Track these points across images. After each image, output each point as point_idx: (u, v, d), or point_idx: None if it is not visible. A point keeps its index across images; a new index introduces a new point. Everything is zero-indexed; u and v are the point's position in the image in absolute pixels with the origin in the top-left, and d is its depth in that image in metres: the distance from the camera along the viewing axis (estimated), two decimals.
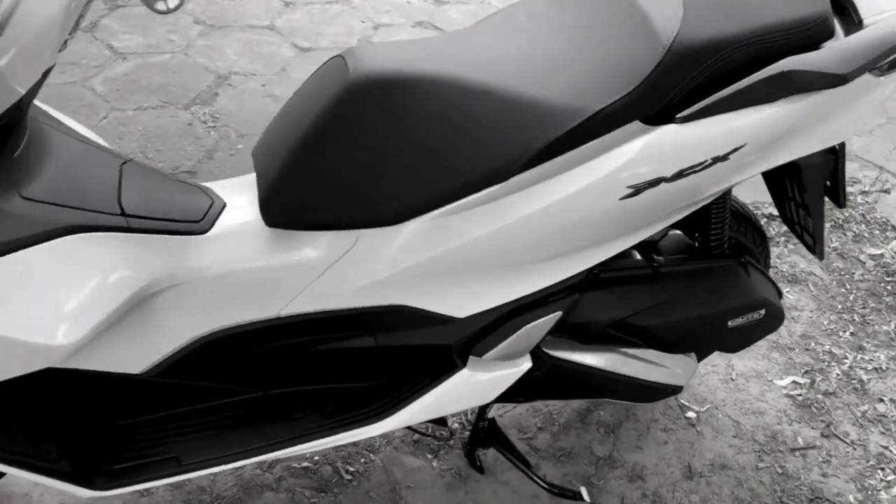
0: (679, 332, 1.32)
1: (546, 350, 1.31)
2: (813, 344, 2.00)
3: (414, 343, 1.24)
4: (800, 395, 1.86)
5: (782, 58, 1.10)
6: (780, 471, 1.69)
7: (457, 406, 1.30)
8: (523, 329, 1.22)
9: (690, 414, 1.80)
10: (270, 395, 1.26)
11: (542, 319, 1.22)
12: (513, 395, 1.35)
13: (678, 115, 1.07)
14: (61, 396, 1.15)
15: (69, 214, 1.03)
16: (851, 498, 1.65)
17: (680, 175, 1.09)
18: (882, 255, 2.31)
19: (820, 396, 1.86)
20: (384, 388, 1.27)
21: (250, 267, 1.15)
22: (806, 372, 1.92)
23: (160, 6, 0.99)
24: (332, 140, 1.09)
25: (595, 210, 1.10)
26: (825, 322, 2.06)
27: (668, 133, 1.07)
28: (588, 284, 1.25)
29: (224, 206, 1.18)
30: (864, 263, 2.27)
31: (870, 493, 1.66)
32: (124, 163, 1.16)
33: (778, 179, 1.41)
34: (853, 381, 1.91)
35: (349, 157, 1.09)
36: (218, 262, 1.14)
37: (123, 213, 1.08)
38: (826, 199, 1.39)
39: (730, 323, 1.33)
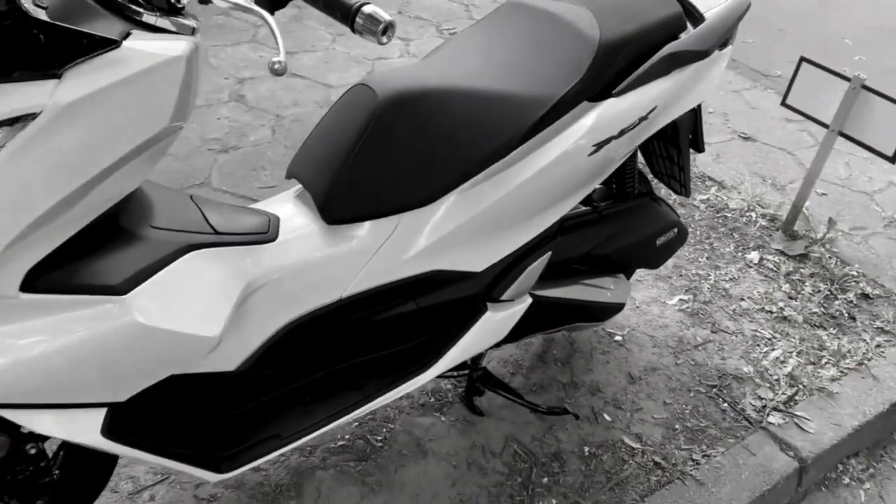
0: (626, 254, 1.77)
1: (533, 292, 1.69)
2: (683, 271, 2.56)
3: (446, 299, 1.56)
4: (687, 307, 2.40)
5: (662, 46, 1.59)
6: (692, 363, 2.20)
7: (482, 345, 1.64)
8: (526, 270, 1.60)
9: (617, 337, 2.26)
10: (338, 370, 1.52)
11: (538, 261, 1.60)
12: (512, 333, 1.71)
13: (614, 92, 1.51)
14: (181, 396, 1.33)
15: (183, 237, 1.25)
16: (745, 369, 2.19)
17: (622, 133, 1.53)
18: (708, 199, 2.97)
19: (701, 305, 2.41)
20: (426, 344, 1.58)
21: (316, 261, 1.41)
22: (686, 290, 2.47)
23: (383, 39, 1.10)
24: (371, 148, 1.39)
25: (572, 167, 1.51)
26: (686, 254, 2.64)
27: (610, 105, 1.51)
28: (563, 230, 1.65)
29: (277, 217, 1.44)
30: (699, 207, 2.91)
31: (756, 363, 2.22)
32: (190, 196, 1.38)
33: (647, 142, 1.90)
34: (720, 290, 2.49)
35: (387, 159, 1.40)
36: (290, 262, 1.39)
37: (216, 232, 1.31)
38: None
39: (658, 241, 1.80)
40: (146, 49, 0.95)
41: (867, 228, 2.96)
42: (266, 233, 1.38)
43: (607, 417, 2.00)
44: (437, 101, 1.42)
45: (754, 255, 2.67)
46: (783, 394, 2.08)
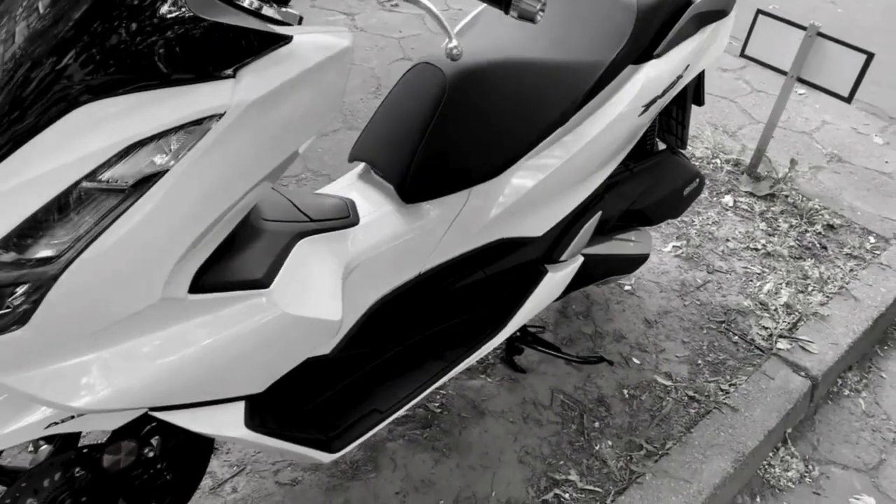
0: (658, 207, 1.89)
1: (583, 251, 1.79)
2: (669, 220, 2.72)
3: (511, 265, 1.64)
4: (682, 252, 2.56)
5: (685, 8, 1.69)
6: (698, 303, 2.37)
7: (543, 304, 1.72)
8: (581, 231, 1.69)
9: (627, 287, 2.40)
10: (421, 341, 1.57)
11: (591, 221, 1.70)
12: (563, 291, 1.80)
13: (655, 53, 1.61)
14: (297, 382, 1.35)
15: (290, 226, 1.27)
16: (745, 303, 2.38)
17: (664, 92, 1.63)
18: None
19: (694, 250, 2.58)
20: (495, 309, 1.65)
21: (398, 240, 1.45)
22: (677, 237, 2.63)
23: (537, 18, 1.03)
24: (442, 126, 1.43)
25: (624, 128, 1.60)
26: None
27: (653, 66, 1.60)
28: (606, 190, 1.75)
29: (352, 201, 1.47)
30: None
31: (753, 297, 2.41)
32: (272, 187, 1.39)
33: None
34: (706, 234, 2.66)
35: (457, 136, 1.45)
36: (375, 243, 1.42)
37: (311, 219, 1.33)
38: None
39: (685, 192, 1.93)
40: (317, 42, 0.96)
41: (814, 165, 3.22)
42: (348, 217, 1.41)
43: (636, 361, 2.13)
44: (500, 74, 1.47)
45: (728, 199, 2.86)
46: (784, 322, 2.28)
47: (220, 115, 0.89)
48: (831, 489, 1.92)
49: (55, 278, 0.89)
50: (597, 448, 1.87)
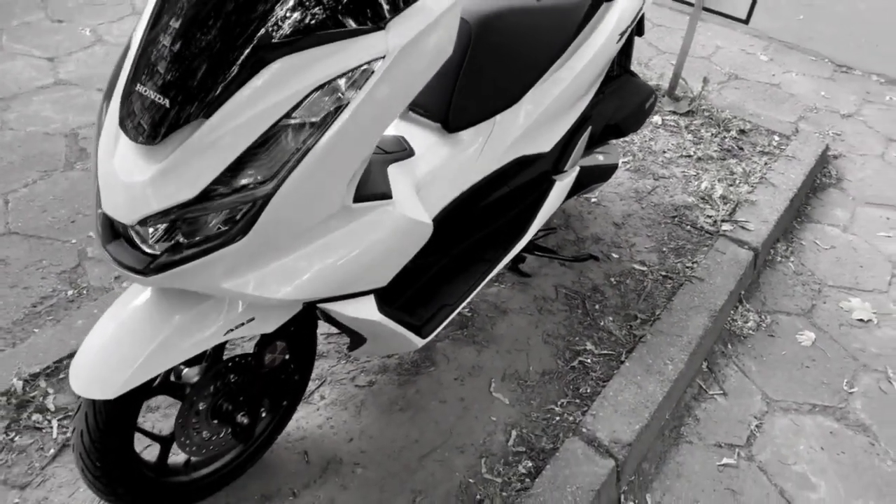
0: (627, 121, 2.29)
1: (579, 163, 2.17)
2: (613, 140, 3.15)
3: (529, 178, 1.99)
4: (630, 166, 3.00)
5: None
6: (652, 204, 2.81)
7: (554, 208, 2.09)
8: (578, 144, 2.06)
9: (593, 200, 2.81)
10: (468, 248, 1.91)
11: (584, 135, 2.07)
12: (566, 197, 2.18)
13: None
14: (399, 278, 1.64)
15: (380, 157, 1.57)
16: (689, 199, 2.85)
17: (633, 21, 2.02)
18: None
19: (640, 163, 3.02)
20: (520, 215, 2.00)
21: (446, 163, 1.77)
22: (624, 154, 3.07)
23: None
24: (472, 67, 1.74)
25: (608, 53, 1.97)
26: None
27: (621, 2, 1.98)
28: (591, 109, 2.12)
29: (403, 137, 1.77)
30: None
31: (695, 194, 2.88)
32: None
33: None
34: (646, 149, 3.11)
35: (483, 74, 1.77)
36: (431, 169, 1.73)
37: (386, 152, 1.63)
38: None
39: (645, 106, 2.34)
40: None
41: (719, 83, 3.74)
42: (406, 150, 1.72)
43: (615, 255, 2.56)
44: (510, 20, 1.80)
45: (657, 119, 3.32)
46: (724, 210, 2.76)
47: (381, 58, 1.19)
48: (781, 331, 2.42)
49: (270, 196, 1.17)
50: (602, 324, 2.28)
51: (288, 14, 1.14)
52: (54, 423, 1.78)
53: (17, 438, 1.74)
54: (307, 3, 1.15)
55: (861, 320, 2.47)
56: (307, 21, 1.15)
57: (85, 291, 2.20)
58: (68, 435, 1.76)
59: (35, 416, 1.78)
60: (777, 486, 1.91)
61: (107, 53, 3.41)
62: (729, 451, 2.00)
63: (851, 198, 3.09)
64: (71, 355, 1.92)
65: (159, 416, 1.84)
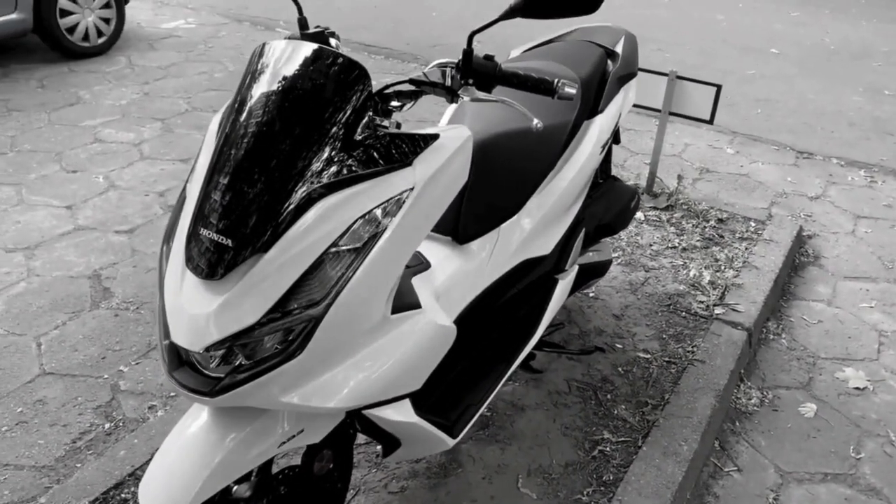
0: (616, 220, 2.49)
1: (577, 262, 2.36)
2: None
3: (533, 278, 2.17)
4: (621, 260, 3.20)
5: (605, 75, 2.34)
6: (647, 294, 2.99)
7: (559, 305, 2.25)
8: (575, 244, 2.25)
9: (591, 294, 2.99)
10: (483, 349, 2.05)
11: (580, 235, 2.27)
12: (569, 294, 2.35)
13: (598, 110, 2.23)
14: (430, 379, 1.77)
15: (410, 270, 1.75)
16: (680, 287, 3.03)
17: (610, 136, 2.26)
18: None
19: (629, 257, 3.22)
20: (529, 314, 2.17)
21: (459, 272, 1.95)
22: (614, 249, 3.27)
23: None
24: (475, 188, 1.95)
25: (592, 164, 2.20)
26: None
27: (601, 119, 2.23)
28: (582, 212, 2.33)
29: (419, 252, 1.96)
30: None
31: (685, 282, 3.06)
32: None
33: None
34: (634, 243, 3.32)
35: (486, 192, 1.97)
36: (445, 278, 1.91)
37: (408, 266, 1.81)
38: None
39: (630, 205, 2.55)
40: (453, 135, 1.47)
41: (691, 178, 4.02)
42: (423, 263, 1.90)
43: (619, 346, 2.70)
44: (506, 143, 2.03)
45: (640, 215, 3.56)
46: (714, 295, 2.94)
47: (410, 189, 1.38)
48: (783, 405, 2.54)
49: (322, 316, 1.33)
50: (615, 412, 2.40)
51: (332, 159, 1.34)
52: None
53: None
54: (348, 151, 1.35)
55: (858, 388, 2.61)
56: (348, 164, 1.35)
57: (121, 423, 2.30)
58: None
59: None
60: None
61: (120, 197, 3.63)
62: None
63: (831, 273, 3.29)
64: (117, 486, 2.00)
65: None
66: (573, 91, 1.54)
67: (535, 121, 1.54)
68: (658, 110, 3.55)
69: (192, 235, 1.34)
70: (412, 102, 1.52)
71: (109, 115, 4.59)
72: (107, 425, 2.29)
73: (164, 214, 3.47)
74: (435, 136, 1.45)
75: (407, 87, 1.55)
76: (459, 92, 1.52)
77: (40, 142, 4.20)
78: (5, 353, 2.58)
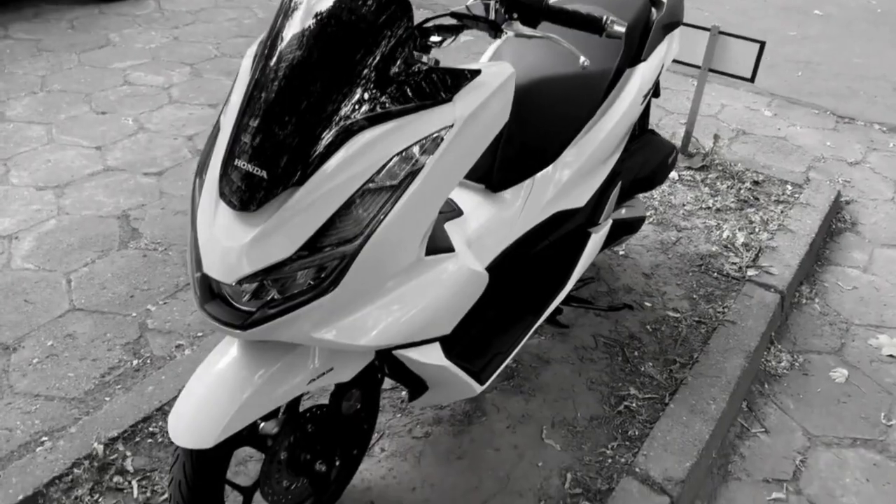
0: (653, 175, 2.44)
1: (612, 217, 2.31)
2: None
3: (566, 231, 2.13)
4: (653, 219, 3.14)
5: (649, 23, 2.26)
6: (678, 255, 2.94)
7: (591, 259, 2.21)
8: (610, 197, 2.20)
9: (621, 253, 2.94)
10: (515, 298, 2.03)
11: (616, 189, 2.22)
12: (601, 248, 2.31)
13: (641, 58, 2.16)
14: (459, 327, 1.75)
15: (442, 216, 1.71)
16: (713, 248, 2.97)
17: (652, 86, 2.19)
18: None
19: (662, 216, 3.16)
20: (560, 266, 2.13)
21: (492, 221, 1.91)
22: (646, 209, 3.21)
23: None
24: (511, 134, 1.91)
25: (633, 115, 2.13)
26: None
27: (644, 67, 2.16)
28: (620, 165, 2.28)
29: (450, 198, 1.92)
30: None
31: (718, 243, 3.00)
32: None
33: None
34: (667, 203, 3.26)
35: (522, 139, 1.93)
36: (478, 226, 1.87)
37: (440, 212, 1.78)
38: None
39: (668, 161, 2.49)
40: (496, 71, 1.42)
41: (728, 138, 3.92)
42: (455, 210, 1.86)
43: (648, 304, 2.67)
44: (546, 89, 1.98)
45: (673, 174, 3.48)
46: (747, 256, 2.88)
47: (450, 127, 1.34)
48: (814, 370, 2.50)
49: (357, 252, 1.30)
50: (642, 369, 2.37)
51: (371, 92, 1.30)
52: (134, 483, 1.87)
53: (100, 500, 1.82)
54: (385, 86, 1.31)
55: (891, 356, 2.55)
56: (387, 97, 1.30)
57: (149, 360, 2.32)
58: (148, 495, 1.85)
59: (116, 478, 1.87)
60: None
61: (150, 140, 3.62)
62: (777, 486, 2.06)
63: (868, 240, 3.21)
64: (145, 419, 2.02)
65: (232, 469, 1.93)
66: (622, 30, 1.48)
67: (583, 58, 1.48)
68: (698, 66, 3.45)
69: (227, 167, 1.32)
70: (453, 37, 1.47)
71: (139, 59, 4.57)
72: (135, 361, 2.31)
73: (193, 158, 3.46)
74: (477, 72, 1.40)
75: (448, 20, 1.50)
76: (503, 26, 1.46)
77: (70, 82, 4.19)
78: (36, 287, 2.61)
